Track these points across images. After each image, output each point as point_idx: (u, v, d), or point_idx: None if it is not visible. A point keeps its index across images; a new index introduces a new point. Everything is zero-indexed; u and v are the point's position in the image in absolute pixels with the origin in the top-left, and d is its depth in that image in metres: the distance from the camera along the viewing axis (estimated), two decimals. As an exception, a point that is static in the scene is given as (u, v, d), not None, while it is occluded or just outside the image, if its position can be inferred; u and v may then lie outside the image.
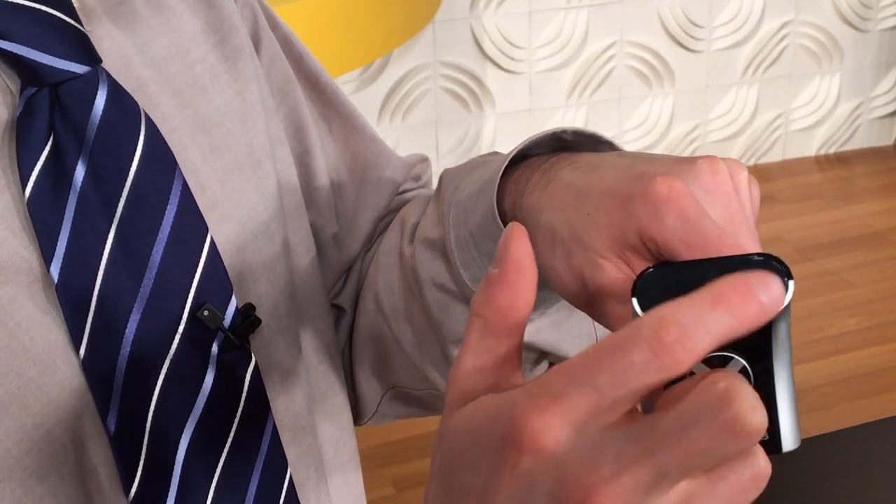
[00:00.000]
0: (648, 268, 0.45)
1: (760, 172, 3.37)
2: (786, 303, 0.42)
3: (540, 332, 0.68)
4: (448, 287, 0.67)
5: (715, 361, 0.43)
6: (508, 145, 3.46)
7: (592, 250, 0.53)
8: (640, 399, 0.38)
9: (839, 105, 3.44)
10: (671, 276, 0.45)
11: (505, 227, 0.60)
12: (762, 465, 0.38)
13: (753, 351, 0.43)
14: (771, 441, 0.43)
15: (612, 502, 0.37)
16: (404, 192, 0.80)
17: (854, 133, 3.50)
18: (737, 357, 0.43)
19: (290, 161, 0.73)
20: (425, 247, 0.69)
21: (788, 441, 0.43)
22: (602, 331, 0.69)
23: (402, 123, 3.03)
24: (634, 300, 0.44)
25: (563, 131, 0.61)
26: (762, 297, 0.37)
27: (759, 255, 0.44)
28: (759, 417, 0.36)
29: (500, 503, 0.39)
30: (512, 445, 0.38)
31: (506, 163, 0.61)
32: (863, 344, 2.53)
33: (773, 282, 0.38)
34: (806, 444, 1.03)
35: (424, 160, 0.82)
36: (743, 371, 0.43)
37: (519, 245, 0.42)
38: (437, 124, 3.07)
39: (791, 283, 0.43)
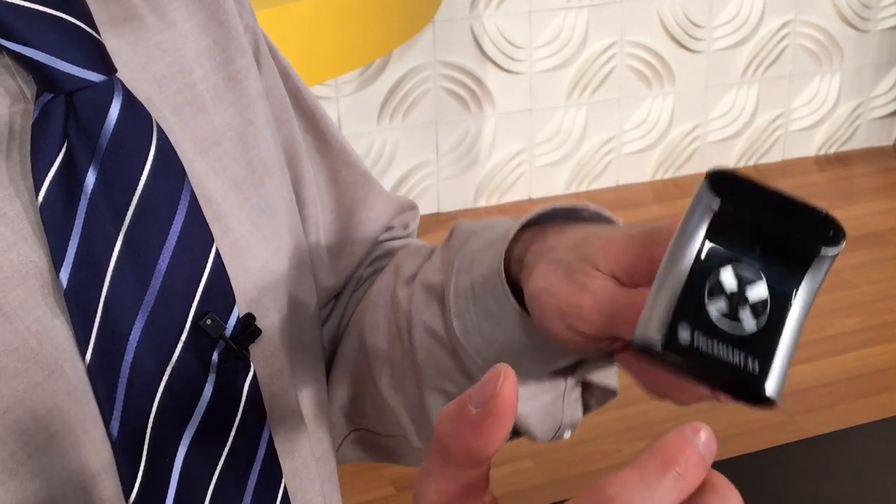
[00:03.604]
0: (723, 174, 0.44)
1: (760, 172, 3.37)
2: (837, 252, 0.43)
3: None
4: (438, 333, 0.67)
5: (745, 274, 0.43)
6: (508, 145, 3.42)
7: (591, 264, 0.55)
8: None
9: (839, 105, 3.44)
10: (746, 202, 0.44)
11: (506, 283, 0.61)
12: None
13: (779, 281, 0.43)
14: (754, 380, 0.42)
15: None
16: (392, 233, 0.80)
17: (854, 133, 3.50)
18: (763, 286, 0.43)
19: (289, 181, 0.74)
20: (424, 290, 0.69)
21: (772, 388, 0.42)
22: (566, 416, 0.69)
23: (402, 123, 3.03)
24: (705, 184, 0.43)
25: (585, 208, 0.63)
26: (699, 446, 0.37)
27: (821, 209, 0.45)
28: None
29: None
30: None
31: (524, 221, 0.63)
32: (863, 344, 2.53)
33: (702, 428, 0.37)
34: (806, 444, 1.03)
35: (414, 208, 0.83)
36: (761, 303, 0.43)
37: (506, 389, 0.39)
38: (437, 124, 3.07)
39: (842, 240, 0.44)
